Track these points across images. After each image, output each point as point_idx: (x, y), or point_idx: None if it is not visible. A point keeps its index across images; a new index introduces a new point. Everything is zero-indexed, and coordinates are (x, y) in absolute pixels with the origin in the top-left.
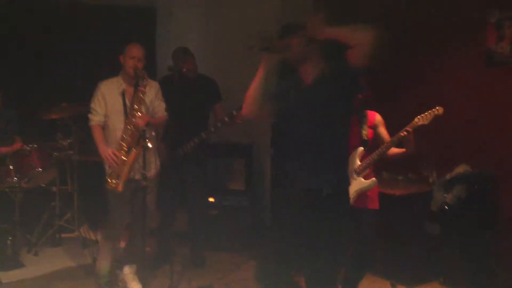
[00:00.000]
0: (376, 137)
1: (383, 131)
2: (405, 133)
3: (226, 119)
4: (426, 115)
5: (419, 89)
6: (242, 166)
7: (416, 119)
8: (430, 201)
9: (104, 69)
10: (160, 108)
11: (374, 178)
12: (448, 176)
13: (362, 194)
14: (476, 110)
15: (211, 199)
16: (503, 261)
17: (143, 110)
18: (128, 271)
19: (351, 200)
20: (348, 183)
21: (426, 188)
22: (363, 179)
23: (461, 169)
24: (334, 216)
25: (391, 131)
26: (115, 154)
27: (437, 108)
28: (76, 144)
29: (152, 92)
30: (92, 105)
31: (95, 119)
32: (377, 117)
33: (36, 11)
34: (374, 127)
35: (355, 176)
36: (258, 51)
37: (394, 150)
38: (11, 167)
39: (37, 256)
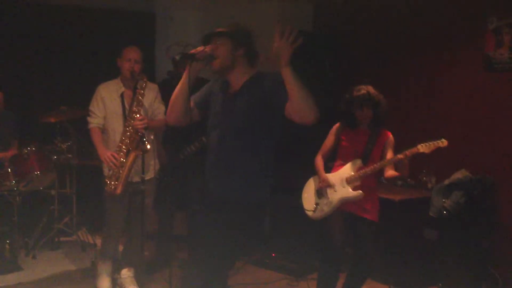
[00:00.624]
0: (381, 156)
1: (389, 154)
2: (402, 156)
3: None
4: (429, 145)
5: (418, 94)
6: None
7: (419, 146)
8: (429, 206)
9: (104, 72)
10: (159, 111)
11: (361, 191)
12: (446, 182)
13: (357, 203)
14: (475, 115)
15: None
16: (502, 266)
17: (142, 112)
18: (126, 274)
19: (333, 207)
20: (265, 196)
21: (424, 193)
22: (350, 189)
23: (460, 174)
24: (240, 226)
25: (399, 131)
26: (114, 157)
27: (442, 140)
28: (75, 147)
29: (151, 95)
30: (91, 108)
31: (94, 121)
32: (390, 138)
33: (36, 15)
34: (383, 147)
35: (344, 184)
36: (181, 61)
37: (391, 173)
38: (9, 170)
39: (35, 260)
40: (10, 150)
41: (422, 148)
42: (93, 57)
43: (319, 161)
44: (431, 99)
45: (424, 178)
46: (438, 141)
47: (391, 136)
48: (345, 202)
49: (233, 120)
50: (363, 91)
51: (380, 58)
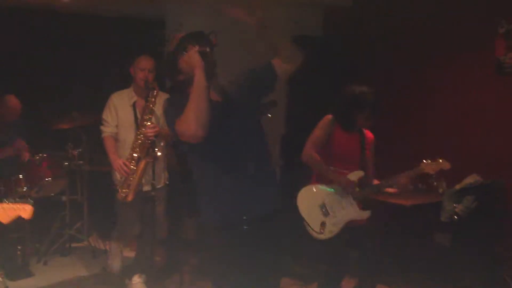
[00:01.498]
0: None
1: (371, 153)
2: (407, 180)
3: None
4: (433, 166)
5: (428, 98)
6: None
7: (423, 166)
8: (440, 211)
9: (114, 79)
10: None
11: (369, 211)
12: (458, 187)
13: None
14: (486, 119)
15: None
16: None
17: (154, 121)
18: (137, 280)
19: (342, 227)
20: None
21: (435, 198)
22: (358, 209)
23: (471, 179)
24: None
25: (402, 139)
26: (125, 164)
27: (446, 164)
28: (86, 154)
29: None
30: (104, 116)
31: (107, 130)
32: (372, 139)
33: (48, 23)
34: (370, 149)
35: (351, 200)
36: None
37: (388, 190)
38: (21, 177)
39: (46, 266)
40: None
41: (427, 168)
42: (104, 64)
43: (319, 160)
44: (442, 103)
45: (435, 183)
46: (443, 164)
47: (372, 136)
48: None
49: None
50: (368, 94)
51: (390, 61)
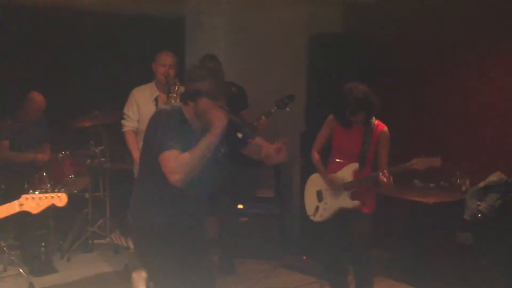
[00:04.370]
0: (377, 155)
1: (383, 152)
2: (385, 175)
3: (255, 124)
4: (423, 162)
5: (450, 96)
6: (271, 173)
7: (413, 162)
8: (463, 209)
9: (134, 78)
10: None
11: (358, 202)
12: (481, 184)
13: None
14: (509, 117)
15: (239, 206)
16: None
17: None
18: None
19: (332, 214)
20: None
21: (458, 196)
22: (348, 198)
23: (495, 177)
24: None
25: (422, 135)
26: None
27: (436, 159)
28: (108, 151)
29: None
30: (125, 111)
31: (129, 125)
32: (383, 132)
33: (69, 21)
34: (377, 144)
35: (341, 190)
36: None
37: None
38: (45, 174)
39: (69, 262)
40: (43, 154)
41: (417, 164)
42: (124, 63)
43: (317, 159)
44: (464, 102)
45: (458, 180)
46: (433, 159)
47: (385, 129)
48: (341, 211)
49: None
50: (357, 95)
51: (411, 60)
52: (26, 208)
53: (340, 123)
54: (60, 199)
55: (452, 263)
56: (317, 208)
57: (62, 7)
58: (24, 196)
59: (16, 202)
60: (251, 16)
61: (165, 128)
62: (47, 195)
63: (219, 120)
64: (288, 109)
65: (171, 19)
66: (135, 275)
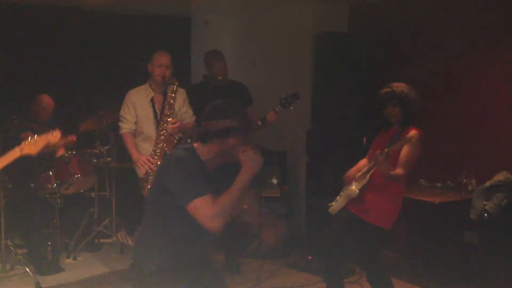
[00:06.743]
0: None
1: (404, 151)
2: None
3: (259, 123)
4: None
5: (457, 95)
6: (277, 173)
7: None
8: (469, 209)
9: (140, 77)
10: (188, 114)
11: (354, 188)
12: (488, 184)
13: (360, 203)
14: None
15: (244, 207)
16: None
17: (173, 116)
18: None
19: (340, 203)
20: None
21: (465, 196)
22: (353, 186)
23: (501, 176)
24: None
25: (438, 132)
26: (149, 160)
27: (410, 137)
28: (114, 150)
29: (180, 99)
30: (122, 113)
31: (126, 126)
32: (410, 134)
33: (74, 21)
34: (403, 142)
35: (353, 182)
36: None
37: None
38: (51, 174)
39: (76, 261)
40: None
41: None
42: (131, 62)
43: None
44: (471, 100)
45: (464, 180)
46: (408, 138)
47: (412, 132)
48: (349, 199)
49: None
50: (386, 89)
51: (416, 58)
52: (26, 151)
53: (380, 124)
54: (54, 136)
55: (459, 263)
56: (336, 200)
57: (65, 6)
58: (23, 142)
59: (17, 148)
60: (257, 15)
61: (190, 174)
62: (42, 135)
63: (253, 162)
64: (292, 107)
65: (177, 18)
66: None
